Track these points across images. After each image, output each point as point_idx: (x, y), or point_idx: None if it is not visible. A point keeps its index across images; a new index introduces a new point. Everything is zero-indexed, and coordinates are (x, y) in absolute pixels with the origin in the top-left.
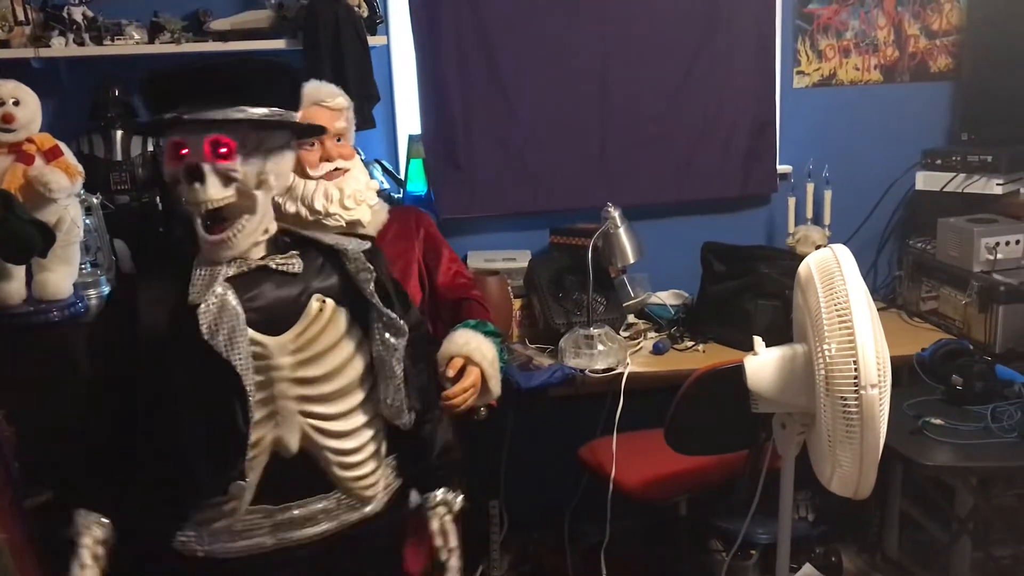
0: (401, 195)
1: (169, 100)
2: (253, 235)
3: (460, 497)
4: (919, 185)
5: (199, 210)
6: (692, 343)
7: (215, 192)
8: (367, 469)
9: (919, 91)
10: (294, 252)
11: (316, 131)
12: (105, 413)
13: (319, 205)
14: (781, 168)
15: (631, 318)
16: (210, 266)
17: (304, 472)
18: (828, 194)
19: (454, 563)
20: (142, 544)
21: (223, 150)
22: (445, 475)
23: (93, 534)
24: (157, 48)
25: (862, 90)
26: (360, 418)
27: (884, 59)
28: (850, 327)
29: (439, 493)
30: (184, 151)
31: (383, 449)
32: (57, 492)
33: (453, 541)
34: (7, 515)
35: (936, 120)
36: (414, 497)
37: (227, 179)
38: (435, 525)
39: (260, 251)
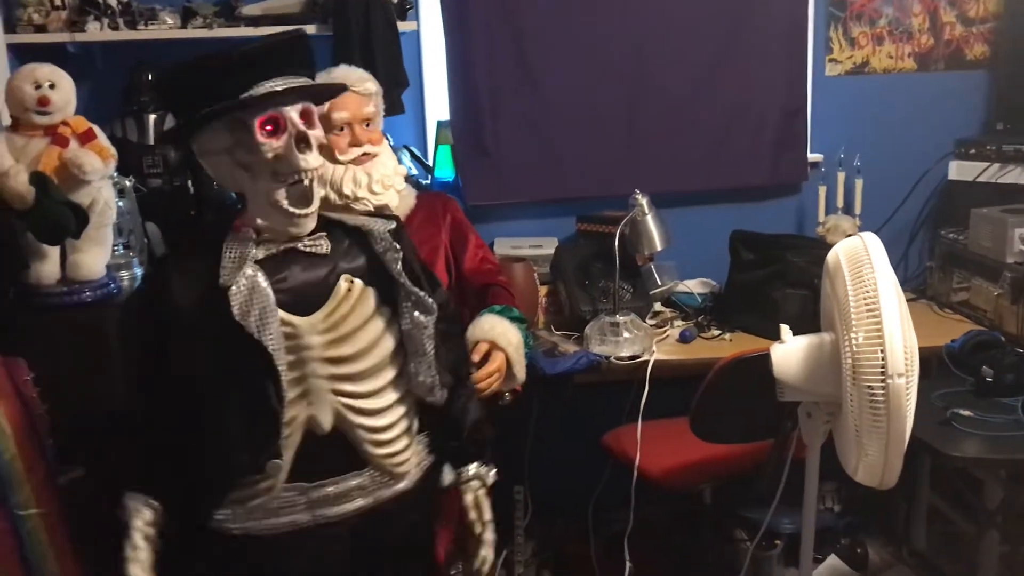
0: (429, 181)
1: (235, 83)
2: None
3: (493, 471)
4: (952, 175)
5: (295, 179)
6: (719, 332)
7: (315, 160)
8: (399, 446)
9: (954, 79)
10: (321, 233)
11: (338, 91)
12: (147, 396)
13: (347, 190)
14: (812, 157)
15: (658, 306)
16: (240, 248)
17: (337, 449)
18: (859, 183)
19: (488, 536)
20: (179, 525)
21: (305, 120)
22: (477, 449)
23: (143, 516)
24: (190, 33)
25: (895, 78)
26: (391, 396)
27: (918, 47)
28: (878, 316)
29: (472, 467)
30: (275, 125)
31: (415, 426)
32: (98, 463)
33: (487, 514)
34: (41, 491)
35: (971, 109)
36: (446, 476)
37: (320, 147)
38: (469, 499)
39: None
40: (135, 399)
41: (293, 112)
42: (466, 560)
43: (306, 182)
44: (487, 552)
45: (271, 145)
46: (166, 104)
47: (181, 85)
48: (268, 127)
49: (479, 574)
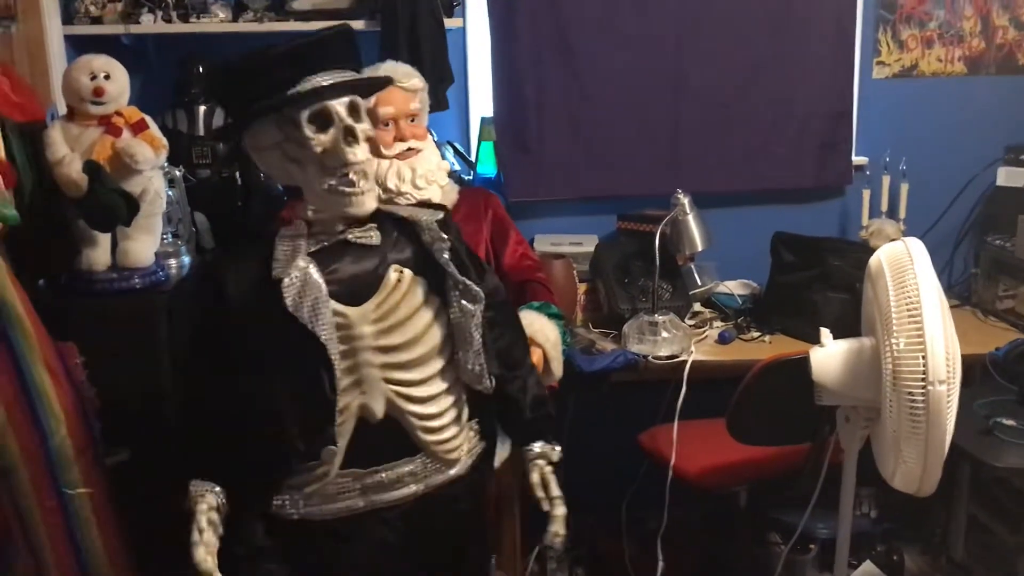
0: (471, 177)
1: (283, 77)
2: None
3: (558, 448)
4: (1000, 181)
5: (352, 172)
6: (758, 334)
7: (363, 153)
8: (450, 433)
9: (1005, 84)
10: (371, 225)
11: (384, 84)
12: (203, 386)
13: (391, 184)
14: (857, 160)
15: (697, 306)
16: (292, 241)
17: (390, 436)
18: (904, 187)
19: (559, 511)
20: (240, 510)
21: (353, 114)
22: (540, 428)
23: (208, 501)
24: (240, 26)
25: (944, 82)
26: (441, 384)
27: (969, 50)
28: (919, 321)
29: (537, 446)
30: (324, 119)
31: (464, 413)
32: (144, 446)
33: (555, 490)
34: (90, 471)
35: (1022, 114)
36: (498, 458)
37: (367, 139)
38: (535, 477)
39: (340, 224)
40: (190, 388)
41: (340, 106)
42: (500, 554)
43: (352, 175)
44: (558, 527)
45: (319, 139)
46: (217, 100)
47: (229, 81)
48: (316, 122)
49: (552, 547)
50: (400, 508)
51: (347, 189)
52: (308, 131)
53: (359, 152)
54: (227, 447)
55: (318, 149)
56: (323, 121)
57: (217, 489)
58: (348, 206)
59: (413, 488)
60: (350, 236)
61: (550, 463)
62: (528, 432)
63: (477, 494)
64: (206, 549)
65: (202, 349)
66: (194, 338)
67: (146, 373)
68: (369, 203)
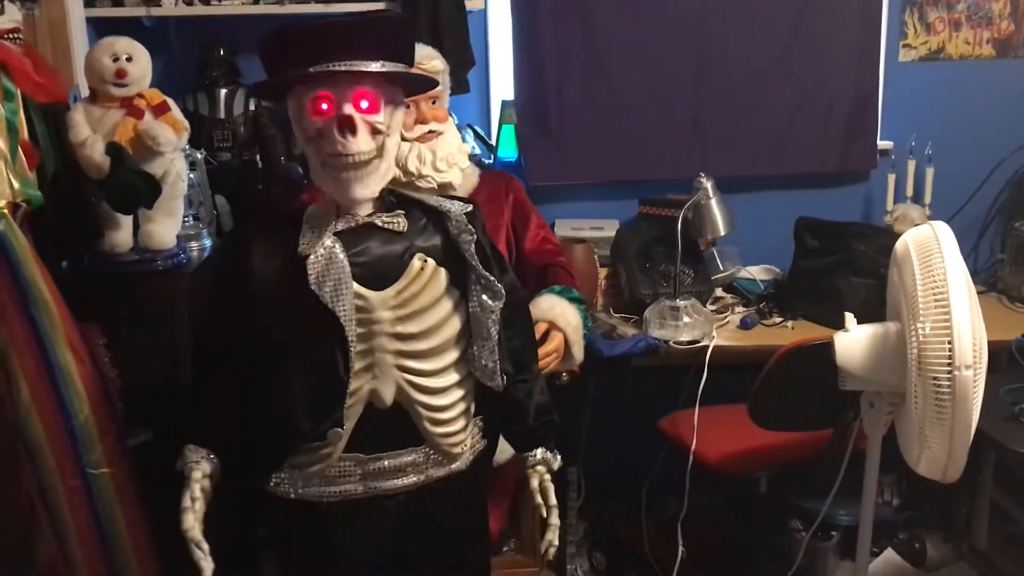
0: (492, 160)
1: (304, 55)
2: (381, 184)
3: (559, 457)
4: None
5: (343, 162)
6: (781, 319)
7: (365, 144)
8: (456, 427)
9: None
10: (399, 211)
11: (431, 85)
12: (214, 356)
13: (412, 167)
14: (882, 144)
15: (719, 291)
16: (321, 219)
17: (396, 424)
18: (930, 172)
19: (554, 520)
20: (238, 483)
21: (366, 104)
22: (543, 435)
23: (202, 468)
24: (262, 9)
25: (972, 65)
26: (453, 376)
27: (998, 33)
28: (946, 306)
29: (538, 453)
30: (329, 104)
31: (472, 409)
32: (165, 427)
33: (553, 499)
34: (112, 452)
35: None
36: (498, 457)
37: (374, 131)
38: (535, 483)
39: (368, 208)
40: (200, 355)
41: (345, 94)
42: (519, 538)
43: (341, 166)
44: (553, 536)
45: (312, 123)
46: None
47: (266, 48)
48: (323, 105)
49: (546, 556)
50: (398, 498)
51: (340, 174)
52: (309, 112)
53: (352, 143)
54: (232, 418)
55: (311, 132)
56: (329, 105)
57: (212, 456)
58: (339, 192)
59: (413, 479)
60: (377, 220)
61: (550, 471)
62: (530, 439)
63: (475, 491)
64: (195, 516)
65: (218, 317)
66: (211, 305)
67: (167, 355)
68: (361, 193)
